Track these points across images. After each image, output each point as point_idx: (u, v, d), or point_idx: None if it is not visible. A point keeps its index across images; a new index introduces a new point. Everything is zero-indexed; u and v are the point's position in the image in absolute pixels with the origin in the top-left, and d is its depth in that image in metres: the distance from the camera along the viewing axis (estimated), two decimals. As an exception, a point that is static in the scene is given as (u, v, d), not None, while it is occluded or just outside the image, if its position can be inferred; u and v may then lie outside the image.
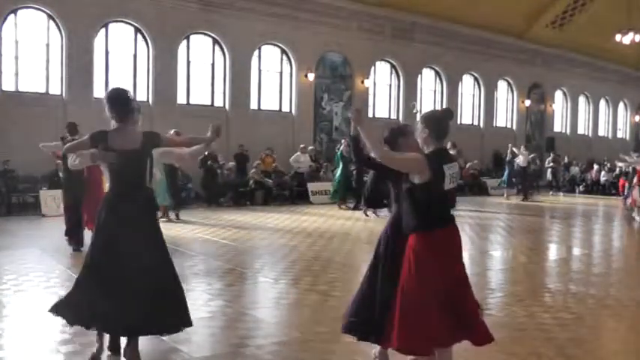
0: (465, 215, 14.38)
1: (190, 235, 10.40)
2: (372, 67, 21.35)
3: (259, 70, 18.91)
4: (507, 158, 19.92)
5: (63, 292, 6.11)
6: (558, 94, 28.53)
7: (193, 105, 17.55)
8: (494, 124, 25.64)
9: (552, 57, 26.23)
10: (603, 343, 5.01)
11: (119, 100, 4.13)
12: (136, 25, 16.32)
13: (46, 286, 6.45)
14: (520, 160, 19.21)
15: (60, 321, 5.06)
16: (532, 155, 24.22)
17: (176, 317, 4.05)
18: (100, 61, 15.89)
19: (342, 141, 15.89)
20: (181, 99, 17.24)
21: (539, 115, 27.26)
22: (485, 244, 10.24)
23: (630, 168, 16.00)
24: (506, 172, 20.11)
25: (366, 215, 13.28)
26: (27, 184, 14.04)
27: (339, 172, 15.40)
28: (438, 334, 3.41)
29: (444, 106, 23.53)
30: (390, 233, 3.90)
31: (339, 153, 15.67)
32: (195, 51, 17.64)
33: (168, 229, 10.87)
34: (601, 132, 31.23)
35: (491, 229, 12.16)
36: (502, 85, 25.97)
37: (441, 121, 3.64)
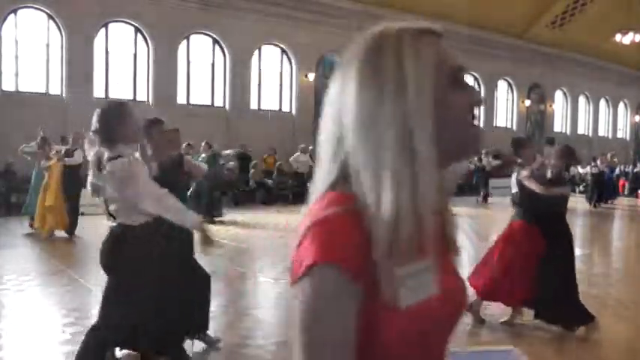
0: (464, 215, 14.38)
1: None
2: (372, 67, 21.31)
3: (259, 70, 18.90)
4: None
5: (63, 293, 6.14)
6: (558, 94, 28.51)
7: (193, 105, 17.53)
8: (494, 124, 25.62)
9: (552, 57, 26.20)
10: (603, 343, 5.01)
11: None
12: (136, 25, 16.31)
13: (46, 286, 6.45)
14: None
15: (60, 321, 5.08)
16: None
17: None
18: (100, 61, 15.88)
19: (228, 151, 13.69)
20: (181, 99, 17.23)
21: (539, 115, 27.23)
22: (485, 244, 10.20)
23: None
24: None
25: None
26: (27, 184, 14.00)
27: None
28: None
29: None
30: None
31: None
32: (195, 51, 17.63)
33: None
34: (601, 132, 31.19)
35: (491, 229, 12.14)
36: (502, 85, 25.95)
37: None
